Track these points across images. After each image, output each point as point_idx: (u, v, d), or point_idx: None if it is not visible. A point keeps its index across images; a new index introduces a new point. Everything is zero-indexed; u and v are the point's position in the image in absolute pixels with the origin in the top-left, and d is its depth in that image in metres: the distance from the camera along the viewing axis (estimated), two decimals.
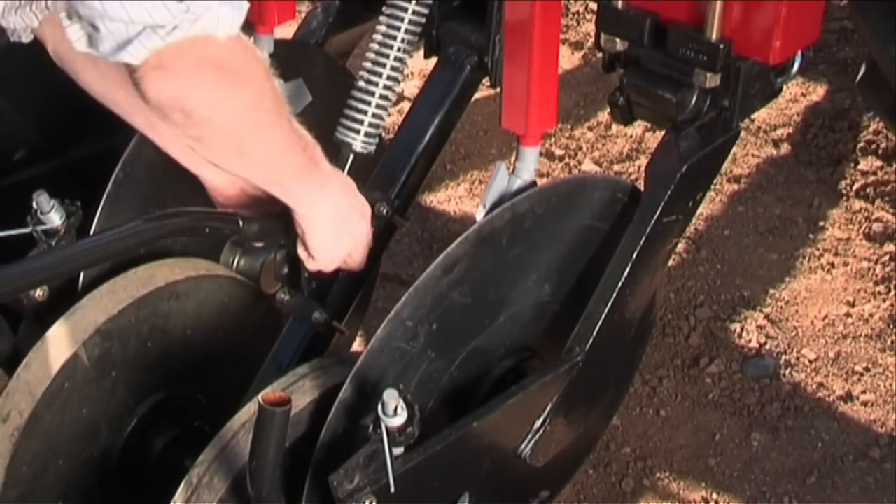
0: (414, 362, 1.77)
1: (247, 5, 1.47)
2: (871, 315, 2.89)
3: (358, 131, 1.96)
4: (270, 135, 1.59)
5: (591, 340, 1.90)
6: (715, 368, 2.77)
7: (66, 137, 2.23)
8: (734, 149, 2.08)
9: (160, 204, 1.94)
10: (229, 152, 1.56)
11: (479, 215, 1.84)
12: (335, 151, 1.98)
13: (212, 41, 1.42)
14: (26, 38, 1.76)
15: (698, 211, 2.07)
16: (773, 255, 3.08)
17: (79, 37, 1.45)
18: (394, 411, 1.57)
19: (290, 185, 1.72)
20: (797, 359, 2.80)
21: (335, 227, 1.82)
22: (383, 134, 2.06)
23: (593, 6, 3.31)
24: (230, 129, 1.53)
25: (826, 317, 2.89)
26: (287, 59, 2.19)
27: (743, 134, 3.29)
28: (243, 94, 1.50)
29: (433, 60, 2.15)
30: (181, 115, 1.47)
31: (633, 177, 3.26)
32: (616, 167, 3.36)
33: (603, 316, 1.90)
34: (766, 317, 2.90)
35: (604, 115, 3.51)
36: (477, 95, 2.20)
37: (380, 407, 1.57)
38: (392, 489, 1.62)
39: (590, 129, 3.50)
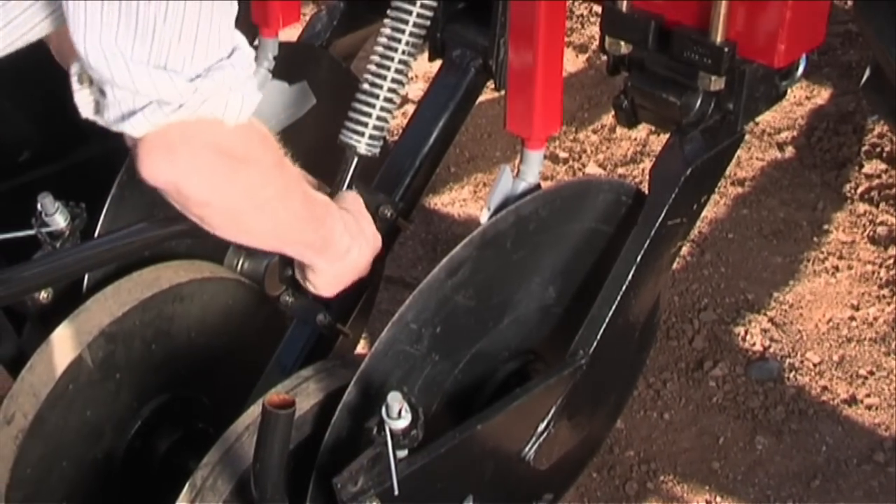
0: (418, 365, 1.77)
1: (258, 98, 1.44)
2: (875, 318, 2.88)
3: (362, 134, 1.96)
4: (275, 216, 1.57)
5: (595, 343, 1.90)
6: (719, 372, 2.77)
7: (70, 140, 2.23)
8: (738, 152, 2.08)
9: (165, 206, 1.94)
10: (232, 231, 1.54)
11: (484, 218, 1.84)
12: (339, 154, 1.98)
13: (218, 125, 1.39)
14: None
15: (702, 214, 2.07)
16: (777, 259, 3.07)
17: (86, 102, 1.42)
18: (398, 414, 1.57)
19: (301, 255, 1.72)
20: (801, 362, 2.79)
21: (341, 276, 1.81)
22: (388, 136, 2.06)
23: (597, 9, 3.31)
24: (231, 211, 1.50)
25: (830, 320, 2.89)
26: (291, 62, 2.20)
27: (747, 137, 3.29)
28: (243, 178, 1.47)
29: (437, 63, 2.15)
30: (178, 196, 1.44)
31: (637, 180, 3.26)
32: (620, 170, 3.36)
33: (607, 319, 1.90)
34: (771, 320, 2.90)
35: (608, 118, 3.51)
36: (481, 98, 2.20)
37: (384, 409, 1.57)
38: (396, 492, 1.62)
39: (594, 132, 3.50)
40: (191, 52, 1.33)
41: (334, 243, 1.71)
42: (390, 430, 1.58)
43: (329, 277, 1.79)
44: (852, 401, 2.70)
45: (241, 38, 1.42)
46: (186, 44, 1.32)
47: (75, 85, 1.41)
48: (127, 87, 1.33)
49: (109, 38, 1.30)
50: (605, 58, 2.03)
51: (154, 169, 1.39)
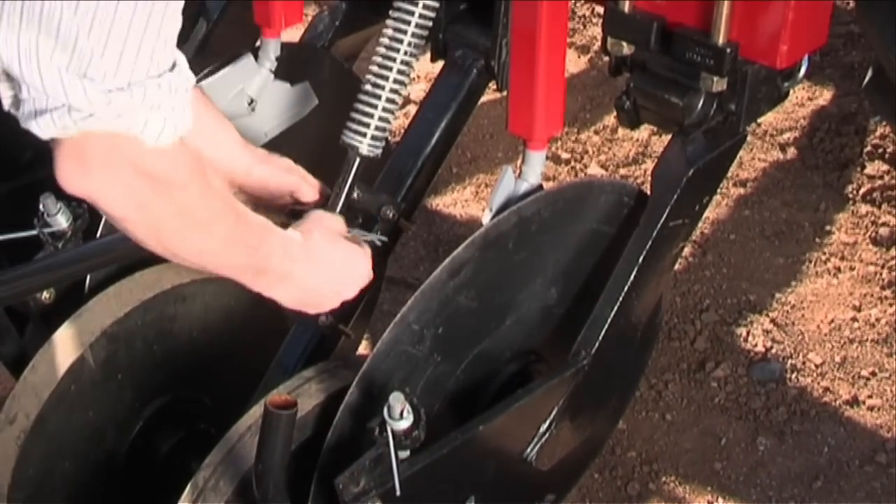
0: (420, 366, 1.77)
1: (187, 121, 1.36)
2: (877, 319, 2.88)
3: (364, 134, 1.96)
4: (201, 241, 1.49)
5: (597, 344, 1.89)
6: (721, 372, 2.77)
7: None
8: (740, 153, 2.07)
9: None
10: (157, 248, 1.46)
11: (486, 219, 1.84)
12: (341, 154, 1.98)
13: (138, 144, 1.32)
14: None
15: (704, 215, 2.07)
16: (780, 260, 3.07)
17: (6, 96, 1.35)
18: (400, 415, 1.57)
19: (235, 277, 1.61)
20: (803, 363, 2.79)
21: (308, 302, 1.72)
22: (390, 137, 2.06)
23: (599, 10, 3.30)
24: (152, 230, 1.43)
25: (832, 321, 2.89)
26: (293, 63, 2.20)
27: (749, 138, 3.29)
28: (164, 202, 1.39)
29: (439, 64, 2.15)
30: (97, 206, 1.38)
31: (639, 180, 3.26)
32: (622, 171, 3.36)
33: (609, 320, 1.90)
34: (773, 321, 2.90)
35: (610, 119, 3.51)
36: (483, 99, 2.19)
37: (386, 410, 1.57)
38: (398, 492, 1.62)
39: (596, 132, 3.50)
40: (114, 67, 1.27)
41: (273, 269, 1.62)
42: (392, 431, 1.58)
43: (283, 298, 1.68)
44: (854, 402, 2.70)
45: (181, 59, 1.36)
46: (110, 58, 1.27)
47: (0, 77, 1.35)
48: (35, 87, 1.27)
49: (28, 38, 1.25)
50: (606, 58, 2.02)
51: (67, 178, 1.34)
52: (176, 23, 1.32)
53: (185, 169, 1.40)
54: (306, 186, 1.91)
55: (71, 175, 1.34)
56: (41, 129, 1.30)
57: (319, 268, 1.69)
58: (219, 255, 1.54)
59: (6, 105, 1.37)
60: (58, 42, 1.25)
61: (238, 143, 1.85)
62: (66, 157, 1.32)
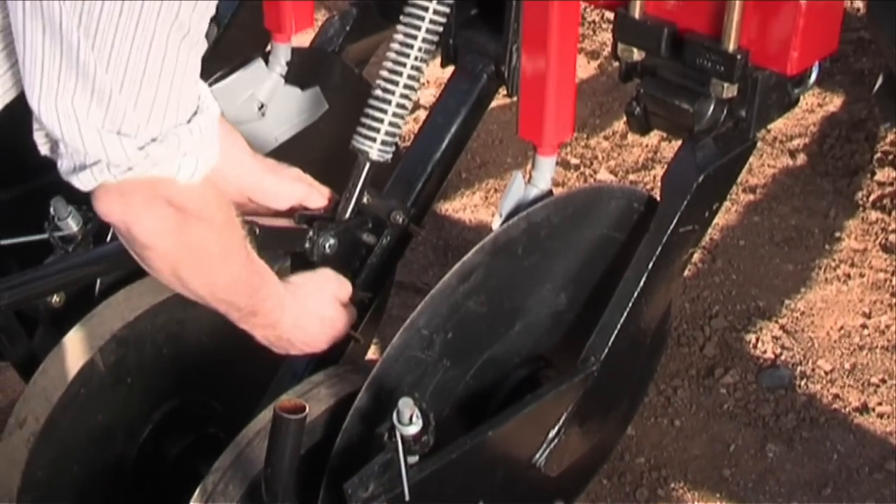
0: (429, 371, 1.77)
1: (214, 160, 1.43)
2: (887, 327, 2.88)
3: (374, 139, 1.96)
4: (213, 275, 1.56)
5: (606, 350, 1.89)
6: (730, 379, 2.77)
7: None
8: (750, 159, 2.07)
9: None
10: (169, 278, 1.53)
11: (495, 224, 1.84)
12: (351, 159, 1.99)
13: (170, 182, 1.39)
14: None
15: (714, 221, 2.07)
16: (789, 266, 3.07)
17: (43, 143, 1.41)
18: (409, 420, 1.57)
19: (227, 313, 1.67)
20: (813, 370, 2.79)
21: (278, 346, 1.79)
22: (399, 142, 2.07)
23: (609, 15, 3.30)
24: (172, 259, 1.49)
25: (842, 328, 2.88)
26: (304, 68, 2.20)
27: (759, 144, 3.28)
28: (193, 233, 1.46)
29: (449, 69, 2.15)
30: (126, 234, 1.44)
31: (648, 186, 3.26)
32: (631, 177, 3.36)
33: (618, 326, 1.89)
34: (782, 327, 2.89)
35: (619, 125, 3.51)
36: (492, 104, 2.20)
37: (395, 415, 1.57)
38: (407, 497, 1.62)
39: (605, 138, 3.50)
40: (146, 119, 1.32)
41: (263, 313, 1.69)
42: (401, 436, 1.58)
43: (259, 336, 1.75)
44: (864, 409, 2.70)
45: (206, 99, 1.41)
46: (142, 110, 1.31)
47: (35, 124, 1.40)
48: (77, 148, 1.33)
49: (65, 101, 1.30)
50: (616, 64, 2.03)
51: (108, 207, 1.40)
52: (199, 64, 1.36)
53: (212, 201, 1.48)
54: (315, 195, 1.92)
55: (112, 206, 1.40)
56: (82, 183, 1.37)
57: (301, 323, 1.78)
58: (224, 292, 1.61)
59: (45, 152, 1.42)
60: (93, 100, 1.30)
61: (247, 154, 1.87)
62: (107, 193, 1.38)
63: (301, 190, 1.92)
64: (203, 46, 1.36)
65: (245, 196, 1.87)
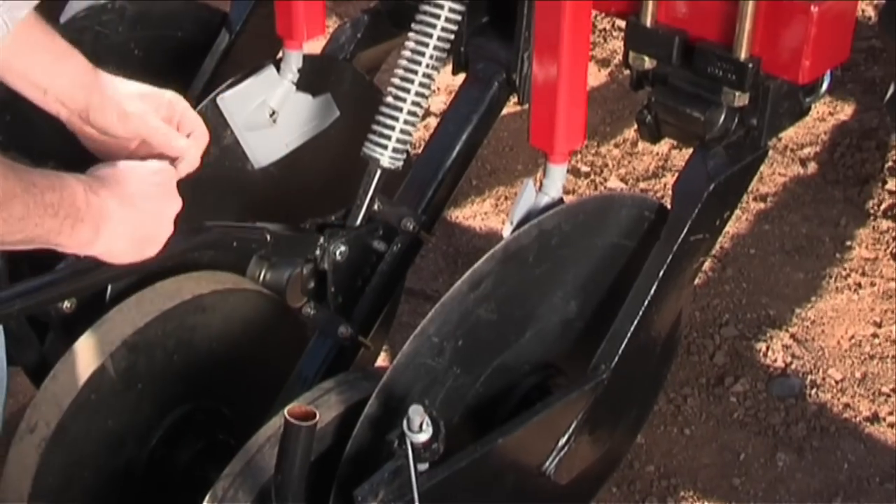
0: (440, 378, 1.77)
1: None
2: None
3: (386, 147, 1.97)
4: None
5: (616, 358, 1.89)
6: (740, 387, 2.76)
7: None
8: (761, 167, 2.07)
9: (188, 219, 1.95)
10: None
11: (506, 232, 1.84)
12: (362, 166, 1.99)
13: None
14: None
15: (724, 229, 2.06)
16: (800, 275, 3.06)
17: None
18: (419, 427, 1.57)
19: (62, 246, 1.57)
20: (823, 379, 2.78)
21: (142, 238, 1.66)
22: (410, 149, 2.07)
23: (620, 23, 3.30)
24: None
25: (853, 337, 2.87)
26: (315, 74, 2.21)
27: (770, 152, 3.28)
28: None
29: (459, 76, 2.16)
30: None
31: (658, 194, 3.25)
32: (642, 184, 3.35)
33: (629, 334, 1.89)
34: (792, 336, 2.89)
35: (630, 133, 3.50)
36: (502, 111, 2.20)
37: (405, 422, 1.57)
38: None
39: (616, 146, 3.49)
40: None
41: (82, 210, 1.55)
42: (411, 443, 1.58)
43: (116, 248, 1.63)
44: (875, 418, 2.69)
45: None
46: None
47: None
48: None
49: None
50: (627, 72, 2.03)
51: None
52: None
53: None
54: (161, 134, 1.77)
55: None
56: None
57: (129, 193, 1.62)
58: (24, 231, 1.49)
59: None
60: None
61: (87, 70, 1.73)
62: None
63: (145, 124, 1.75)
64: None
65: (87, 122, 1.76)
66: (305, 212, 2.03)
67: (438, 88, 3.43)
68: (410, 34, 1.98)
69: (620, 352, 1.89)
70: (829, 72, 1.92)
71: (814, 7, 1.79)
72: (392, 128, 1.97)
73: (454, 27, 1.97)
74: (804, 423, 2.68)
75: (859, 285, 3.01)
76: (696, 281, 2.33)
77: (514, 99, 2.13)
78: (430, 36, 1.96)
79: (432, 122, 3.18)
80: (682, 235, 1.89)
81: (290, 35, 2.16)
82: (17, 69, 1.69)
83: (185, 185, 1.98)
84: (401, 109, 1.96)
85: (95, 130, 1.76)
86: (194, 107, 1.88)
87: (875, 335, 2.87)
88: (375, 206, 1.98)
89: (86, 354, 1.86)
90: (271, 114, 2.17)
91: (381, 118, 1.98)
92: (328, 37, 2.32)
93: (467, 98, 2.12)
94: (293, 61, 2.17)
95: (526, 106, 1.99)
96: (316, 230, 1.96)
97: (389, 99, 1.97)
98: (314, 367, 2.01)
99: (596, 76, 3.76)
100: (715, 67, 1.84)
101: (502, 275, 1.79)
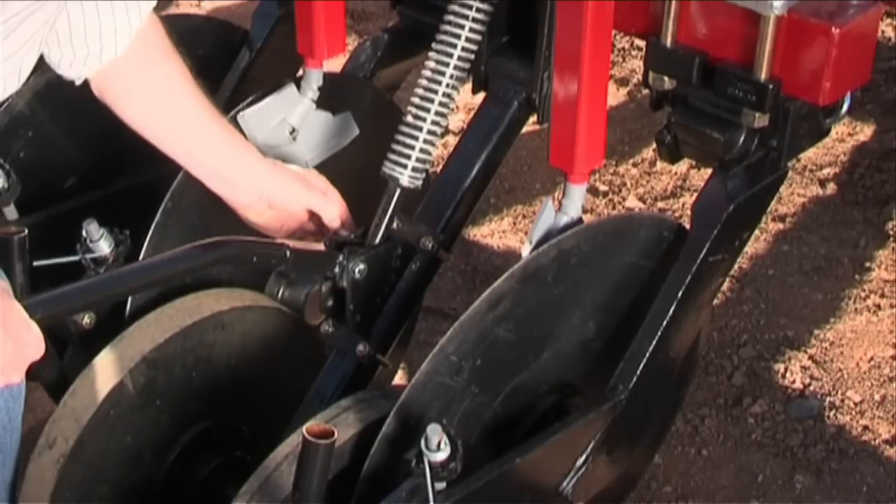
0: (458, 397, 1.77)
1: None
2: None
3: (405, 166, 1.97)
4: None
5: (634, 378, 1.89)
6: (758, 409, 2.75)
7: (116, 167, 2.25)
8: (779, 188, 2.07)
9: (207, 234, 1.96)
10: None
11: (525, 251, 1.84)
12: (382, 185, 1.99)
13: None
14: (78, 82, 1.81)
15: (743, 250, 2.06)
16: (818, 296, 3.05)
17: None
18: (437, 446, 1.57)
19: None
20: (842, 401, 2.77)
21: None
22: (430, 168, 2.07)
23: (639, 42, 3.30)
24: None
25: (872, 359, 2.86)
26: (335, 93, 2.21)
27: (789, 173, 3.27)
28: None
29: (479, 95, 2.16)
30: None
31: (677, 214, 3.25)
32: (660, 204, 3.35)
33: (647, 354, 1.89)
34: (811, 357, 2.88)
35: (648, 152, 3.50)
36: (521, 130, 2.20)
37: (423, 441, 1.57)
38: None
39: (634, 165, 3.49)
40: None
41: None
42: (429, 462, 1.58)
43: None
44: (894, 441, 2.67)
45: None
46: None
47: None
48: None
49: None
50: (646, 91, 2.03)
51: None
52: None
53: None
54: (326, 205, 1.98)
55: None
56: None
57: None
58: None
59: None
60: None
61: (258, 159, 1.93)
62: None
63: (312, 198, 1.97)
64: None
65: (264, 202, 1.92)
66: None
67: (457, 107, 3.43)
68: (431, 53, 1.98)
69: (639, 372, 1.89)
70: (849, 93, 1.92)
71: (835, 28, 1.79)
72: (412, 147, 1.97)
73: (474, 46, 1.97)
74: (822, 445, 2.67)
75: (878, 307, 3.00)
76: (715, 301, 2.32)
77: (532, 118, 2.13)
78: (451, 55, 1.96)
79: (451, 140, 3.18)
80: (701, 257, 1.89)
81: (310, 53, 2.17)
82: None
83: (205, 202, 2.00)
84: (420, 129, 1.96)
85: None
86: None
87: (894, 357, 2.86)
88: (394, 225, 1.98)
89: (105, 370, 1.87)
90: (291, 131, 2.17)
91: (401, 137, 1.98)
92: (348, 55, 2.33)
93: (487, 117, 2.12)
94: (313, 79, 2.17)
95: (544, 125, 1.99)
96: (335, 248, 1.96)
97: (409, 118, 1.98)
98: (332, 384, 2.01)
99: (614, 95, 3.76)
100: (735, 88, 1.84)
101: (521, 294, 1.79)
